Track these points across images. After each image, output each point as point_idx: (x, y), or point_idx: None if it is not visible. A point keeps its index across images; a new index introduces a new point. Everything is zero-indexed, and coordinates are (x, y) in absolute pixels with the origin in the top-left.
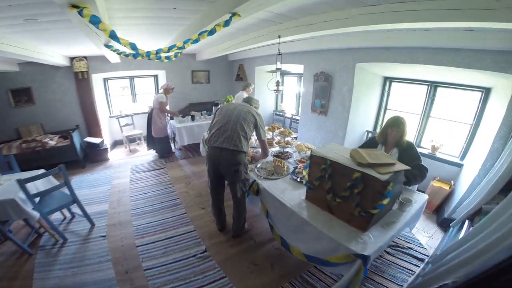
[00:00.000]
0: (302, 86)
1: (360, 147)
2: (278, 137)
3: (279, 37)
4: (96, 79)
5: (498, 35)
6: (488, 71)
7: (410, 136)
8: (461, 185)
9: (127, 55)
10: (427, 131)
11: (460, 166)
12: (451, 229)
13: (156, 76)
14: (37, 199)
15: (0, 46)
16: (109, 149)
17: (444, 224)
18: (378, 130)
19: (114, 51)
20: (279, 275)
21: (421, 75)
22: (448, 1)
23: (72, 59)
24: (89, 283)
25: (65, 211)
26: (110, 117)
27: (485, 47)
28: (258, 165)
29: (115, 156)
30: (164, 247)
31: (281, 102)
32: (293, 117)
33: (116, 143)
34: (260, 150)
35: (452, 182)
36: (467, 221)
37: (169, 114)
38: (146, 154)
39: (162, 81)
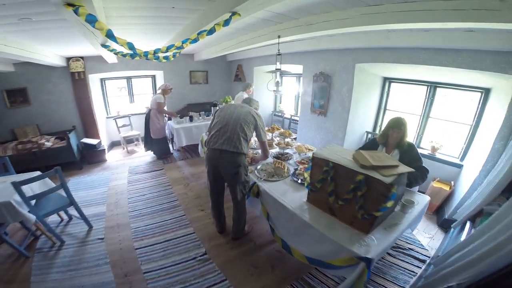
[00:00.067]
0: (301, 86)
1: (361, 148)
2: (278, 138)
3: (279, 37)
4: (93, 80)
5: (498, 36)
6: (488, 72)
7: (409, 137)
8: (461, 186)
9: (124, 55)
10: (426, 131)
11: (460, 166)
12: (452, 230)
13: (153, 77)
14: (33, 202)
15: None
16: (106, 150)
17: (444, 225)
18: (377, 130)
19: (111, 51)
20: (280, 277)
21: (421, 76)
22: (452, 1)
23: (68, 59)
24: (87, 286)
25: (62, 213)
26: (107, 117)
27: (485, 47)
28: (258, 167)
29: (112, 157)
30: (163, 249)
31: (280, 103)
32: (292, 117)
33: (113, 144)
34: (259, 151)
35: (452, 182)
36: (468, 222)
37: (167, 115)
38: (144, 155)
39: (160, 82)
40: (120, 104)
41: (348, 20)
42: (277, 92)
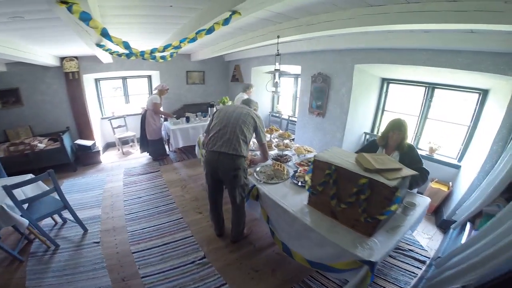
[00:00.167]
0: (299, 87)
1: (361, 150)
2: (276, 140)
3: (278, 37)
4: (88, 80)
5: (499, 37)
6: (488, 73)
7: (408, 138)
8: (459, 187)
9: (120, 55)
10: (424, 132)
11: (458, 167)
12: (451, 230)
13: (149, 77)
14: (25, 205)
15: None
16: (101, 152)
17: (443, 226)
18: (375, 131)
19: (106, 50)
20: (281, 280)
21: (419, 77)
22: (455, 3)
23: (62, 59)
24: None
25: (56, 216)
26: (102, 118)
27: (485, 49)
28: (257, 169)
29: (107, 159)
30: (161, 253)
31: (278, 103)
32: (290, 118)
33: (108, 146)
34: (258, 153)
35: (450, 183)
36: (468, 224)
37: (163, 116)
38: (139, 157)
39: (156, 82)
40: (115, 104)
41: (349, 20)
42: (276, 93)
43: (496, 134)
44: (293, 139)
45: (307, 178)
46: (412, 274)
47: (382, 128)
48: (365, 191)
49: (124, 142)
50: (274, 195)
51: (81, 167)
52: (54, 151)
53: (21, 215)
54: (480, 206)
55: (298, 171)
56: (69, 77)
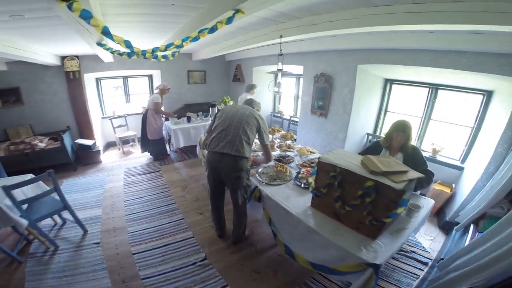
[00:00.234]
0: (301, 87)
1: (364, 151)
2: (278, 140)
3: (281, 37)
4: (88, 79)
5: (503, 38)
6: (492, 74)
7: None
8: (462, 188)
9: (121, 54)
10: (427, 134)
11: (461, 169)
12: (453, 232)
13: (150, 76)
14: (25, 206)
15: None
16: (101, 151)
17: (445, 227)
18: (378, 132)
19: (107, 49)
20: (283, 282)
21: (422, 78)
22: (462, 3)
23: (63, 58)
24: None
25: (55, 216)
26: (102, 118)
27: (490, 50)
28: (259, 170)
29: (108, 158)
30: (161, 254)
31: (279, 104)
32: (291, 118)
33: (109, 145)
34: (260, 153)
35: (453, 185)
36: (472, 225)
37: (164, 115)
38: (140, 157)
39: (157, 81)
40: (116, 104)
41: (353, 20)
42: (278, 93)
43: (500, 136)
44: (294, 140)
45: (311, 180)
46: (414, 275)
47: (385, 129)
48: (371, 194)
49: (125, 141)
50: (277, 196)
51: (82, 166)
52: (55, 150)
53: (20, 216)
54: (484, 208)
55: (301, 172)
56: (69, 76)
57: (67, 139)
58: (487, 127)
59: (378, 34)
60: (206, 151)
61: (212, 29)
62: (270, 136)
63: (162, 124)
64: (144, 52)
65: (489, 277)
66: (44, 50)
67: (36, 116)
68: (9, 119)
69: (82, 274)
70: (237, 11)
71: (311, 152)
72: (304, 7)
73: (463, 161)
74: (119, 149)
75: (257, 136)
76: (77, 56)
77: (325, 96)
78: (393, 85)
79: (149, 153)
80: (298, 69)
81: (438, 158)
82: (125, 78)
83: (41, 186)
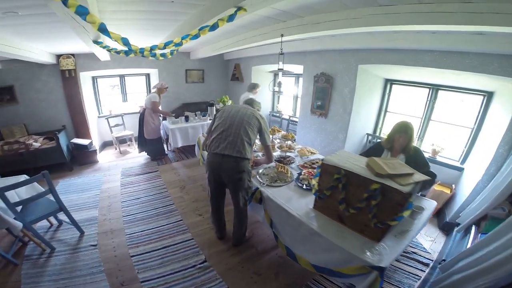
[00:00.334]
0: (300, 87)
1: (366, 152)
2: (278, 141)
3: (282, 36)
4: (84, 78)
5: (506, 39)
6: (495, 76)
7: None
8: (462, 189)
9: (118, 52)
10: (427, 134)
11: (460, 170)
12: (454, 233)
13: (148, 75)
14: (19, 208)
15: None
16: (98, 151)
17: (445, 228)
18: (377, 133)
19: (104, 47)
20: (284, 284)
21: (423, 78)
22: (469, 4)
23: (58, 56)
24: None
25: (51, 217)
26: (99, 117)
27: (492, 51)
28: (260, 171)
29: (104, 158)
30: (160, 257)
31: (278, 103)
32: (291, 118)
33: (105, 145)
34: (260, 154)
35: (453, 186)
36: (473, 227)
37: (162, 115)
38: (137, 156)
39: (154, 80)
40: (113, 103)
41: (357, 20)
42: (279, 93)
43: (502, 137)
44: (294, 140)
45: (314, 182)
46: (416, 276)
47: (385, 130)
48: (377, 197)
49: (122, 141)
50: (278, 198)
51: (77, 166)
52: (50, 150)
53: (14, 218)
54: (486, 209)
55: (302, 173)
56: (65, 74)
57: (62, 138)
58: (487, 128)
59: (379, 34)
60: (206, 153)
61: (213, 27)
62: (270, 136)
63: (160, 123)
64: (142, 50)
65: (496, 279)
66: (39, 48)
67: (31, 115)
68: (3, 118)
69: (80, 277)
70: (239, 8)
71: (311, 152)
72: (307, 6)
73: (462, 161)
74: (116, 149)
75: (258, 137)
76: (73, 54)
77: (325, 96)
78: (393, 85)
79: (146, 153)
80: (298, 68)
81: (438, 158)
82: (122, 76)
83: (36, 187)
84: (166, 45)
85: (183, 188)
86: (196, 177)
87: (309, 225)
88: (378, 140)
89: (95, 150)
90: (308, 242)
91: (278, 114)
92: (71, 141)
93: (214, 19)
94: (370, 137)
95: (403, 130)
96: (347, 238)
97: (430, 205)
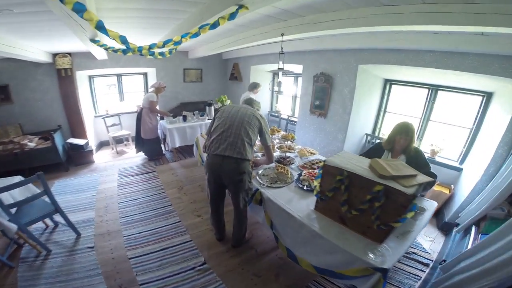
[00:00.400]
0: (300, 86)
1: (366, 153)
2: (277, 141)
3: (282, 35)
4: (81, 77)
5: (508, 40)
6: (495, 76)
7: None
8: (461, 190)
9: (115, 51)
10: (426, 134)
11: (459, 170)
12: (453, 233)
13: (145, 74)
14: (13, 210)
15: None
16: (94, 151)
17: (444, 228)
18: (377, 133)
19: (101, 46)
20: (285, 285)
21: (423, 78)
22: (473, 5)
23: (54, 55)
24: None
25: (47, 219)
26: (95, 116)
27: (493, 51)
28: (260, 172)
29: (101, 158)
30: (159, 259)
31: (276, 103)
32: (289, 118)
33: (102, 145)
34: (259, 154)
35: (452, 186)
36: (473, 227)
37: (159, 114)
38: (134, 156)
39: (152, 79)
40: (109, 102)
41: (359, 19)
42: (279, 92)
43: (501, 138)
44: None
45: (315, 183)
46: (416, 277)
47: (384, 130)
48: (381, 198)
49: (119, 141)
50: (279, 199)
51: (74, 167)
52: (45, 150)
53: (9, 220)
54: (485, 209)
55: (303, 174)
56: (61, 74)
57: (58, 138)
58: (486, 128)
59: (380, 34)
60: (206, 154)
61: (214, 25)
62: (270, 136)
63: (157, 123)
64: (140, 49)
65: (499, 280)
66: (34, 47)
67: (26, 115)
68: None
69: (77, 279)
70: (241, 6)
71: (311, 153)
72: (309, 5)
73: (461, 162)
74: (113, 149)
75: (258, 137)
76: (69, 53)
77: (324, 96)
78: (393, 86)
79: (143, 153)
80: (297, 68)
81: (437, 159)
82: (119, 76)
83: (31, 189)
84: (165, 43)
85: (181, 189)
86: (194, 178)
87: (311, 226)
88: (378, 141)
89: (92, 150)
90: (310, 243)
91: (276, 114)
92: (67, 141)
93: (215, 17)
94: (369, 138)
95: (404, 131)
96: (349, 240)
97: (431, 206)
